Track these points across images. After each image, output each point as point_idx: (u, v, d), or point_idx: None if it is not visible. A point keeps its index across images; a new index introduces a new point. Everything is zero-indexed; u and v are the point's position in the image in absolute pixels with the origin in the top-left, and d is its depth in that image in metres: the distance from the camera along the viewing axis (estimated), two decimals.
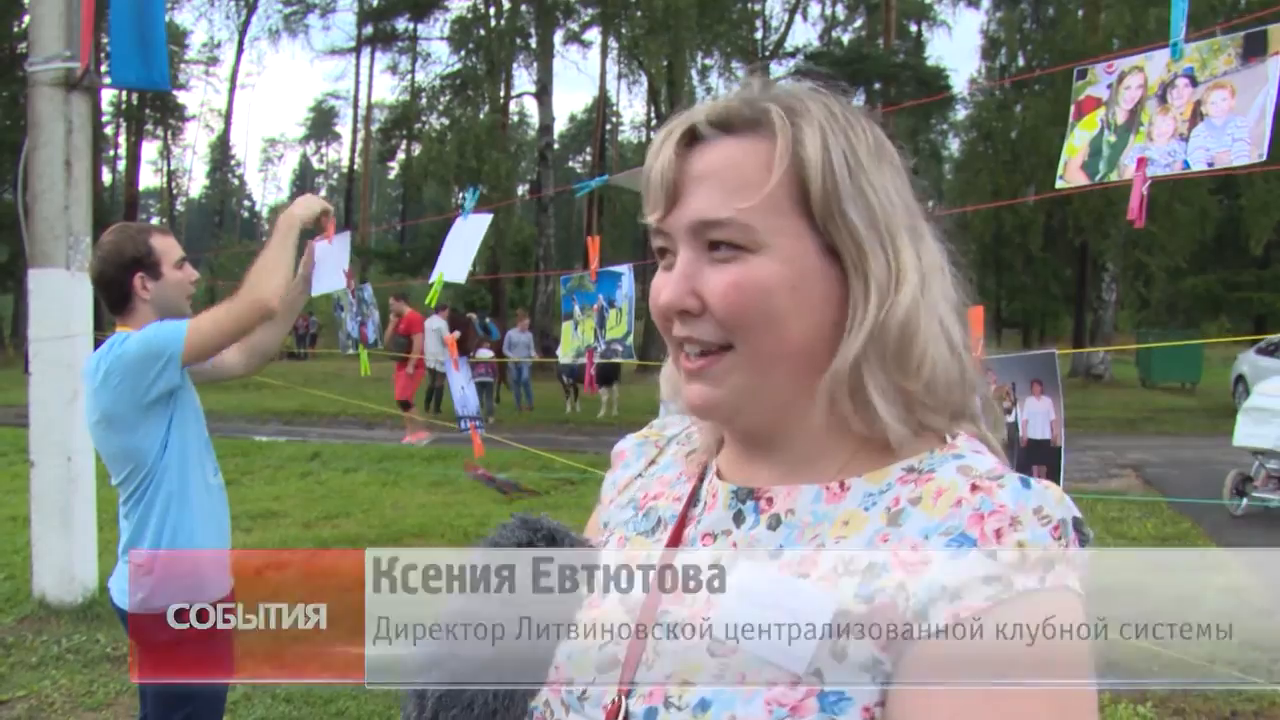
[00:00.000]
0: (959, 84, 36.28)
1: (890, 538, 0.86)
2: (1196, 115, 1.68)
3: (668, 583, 0.94)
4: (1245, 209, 22.92)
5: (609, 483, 1.15)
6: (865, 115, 0.96)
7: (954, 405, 0.93)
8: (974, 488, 0.86)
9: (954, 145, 42.25)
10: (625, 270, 2.59)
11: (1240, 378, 18.05)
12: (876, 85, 32.94)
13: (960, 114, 34.46)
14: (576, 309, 2.76)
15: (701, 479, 1.04)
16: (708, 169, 0.92)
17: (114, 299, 2.90)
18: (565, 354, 2.82)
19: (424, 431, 13.68)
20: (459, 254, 3.13)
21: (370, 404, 13.34)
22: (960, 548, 0.82)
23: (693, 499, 1.03)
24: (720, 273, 0.90)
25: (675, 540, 0.99)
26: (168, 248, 2.91)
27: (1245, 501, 8.60)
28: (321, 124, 62.22)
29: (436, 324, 17.56)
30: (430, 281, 3.18)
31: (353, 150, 42.12)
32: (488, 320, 19.33)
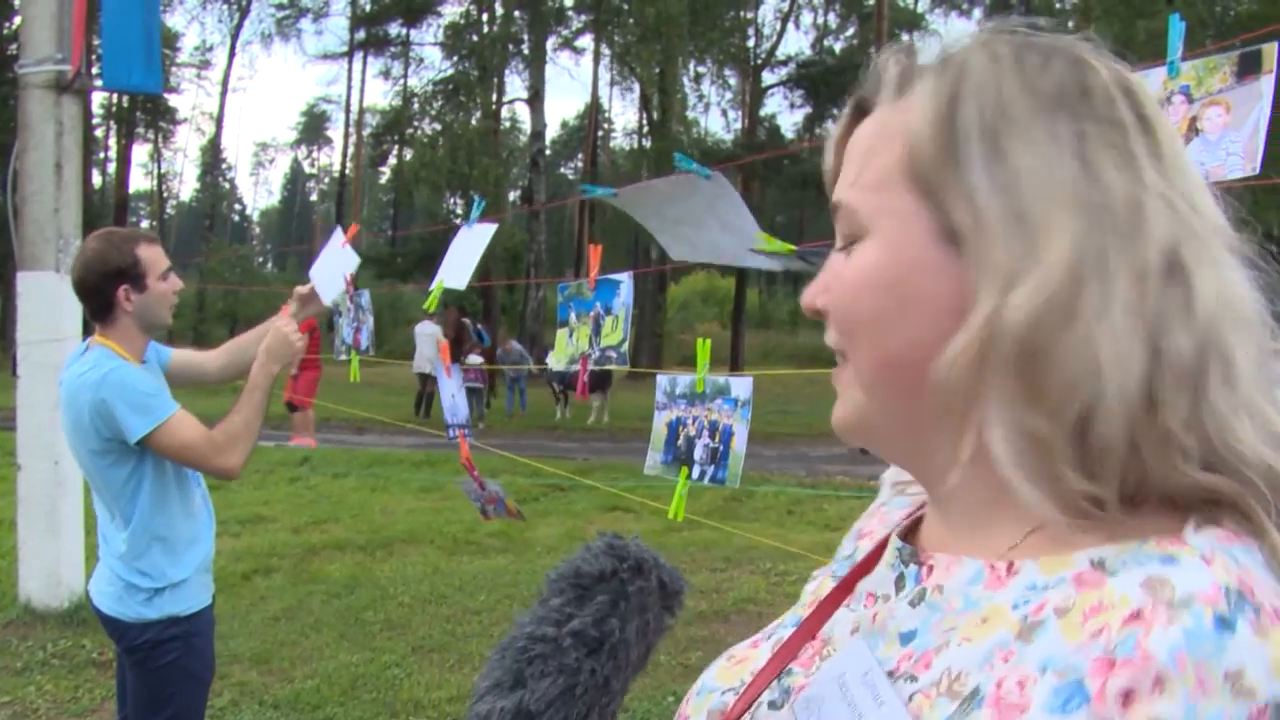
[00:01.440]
0: None
1: (1012, 658, 0.60)
2: (1192, 130, 1.68)
3: (813, 636, 0.78)
4: (1231, 225, 22.98)
5: (866, 510, 0.96)
6: (1081, 56, 0.69)
7: (1182, 478, 0.61)
8: (1136, 616, 0.55)
9: None
10: (625, 278, 2.58)
11: None
12: None
13: None
14: (573, 316, 2.76)
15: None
16: (851, 147, 0.75)
17: (95, 308, 2.85)
18: (558, 361, 2.81)
19: (311, 440, 13.60)
20: (461, 262, 3.13)
21: (362, 411, 13.30)
22: (1068, 700, 0.55)
23: (884, 545, 0.82)
24: (844, 268, 0.73)
25: (846, 589, 0.80)
26: (154, 258, 2.86)
27: None
28: (313, 128, 62.25)
29: (430, 329, 17.55)
30: (430, 288, 3.17)
31: (344, 155, 42.09)
32: (479, 327, 19.33)
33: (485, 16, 28.95)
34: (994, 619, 0.63)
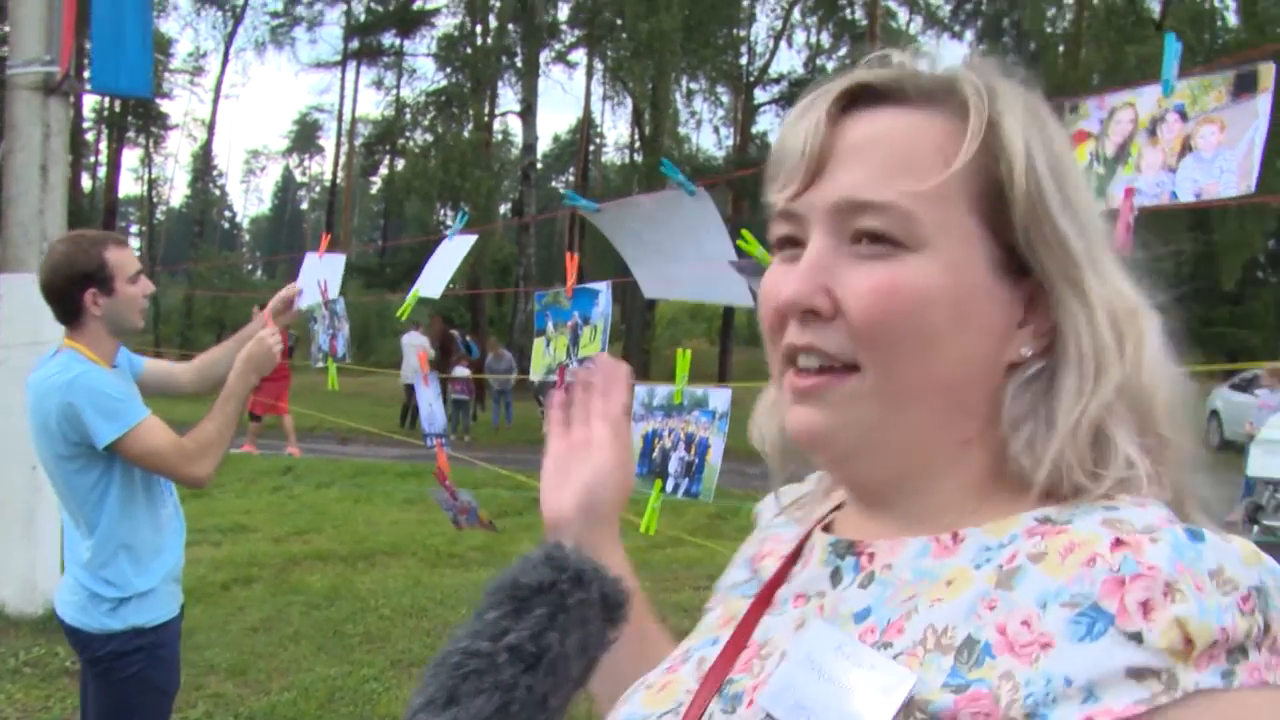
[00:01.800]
0: None
1: (998, 605, 0.65)
2: (1185, 148, 1.68)
3: (744, 646, 0.79)
4: (1219, 245, 23.19)
5: (744, 543, 0.99)
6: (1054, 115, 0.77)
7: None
8: (1118, 543, 0.62)
9: None
10: (603, 287, 2.56)
11: (1214, 413, 18.20)
12: None
13: None
14: (550, 326, 2.73)
15: (810, 535, 0.86)
16: (866, 139, 0.73)
17: (62, 312, 2.80)
18: (536, 371, 2.79)
19: (253, 446, 13.53)
20: (439, 271, 3.11)
21: (346, 420, 13.23)
22: (1091, 626, 0.60)
23: (796, 555, 0.85)
24: (866, 270, 0.71)
25: (765, 601, 0.82)
26: (123, 261, 2.81)
27: (1256, 530, 8.95)
28: (305, 137, 62.17)
29: (417, 339, 17.48)
30: (406, 297, 3.15)
31: (335, 164, 42.05)
32: (468, 338, 19.27)
33: (479, 29, 28.98)
34: (959, 580, 0.68)
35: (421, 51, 32.62)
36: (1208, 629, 0.58)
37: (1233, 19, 24.79)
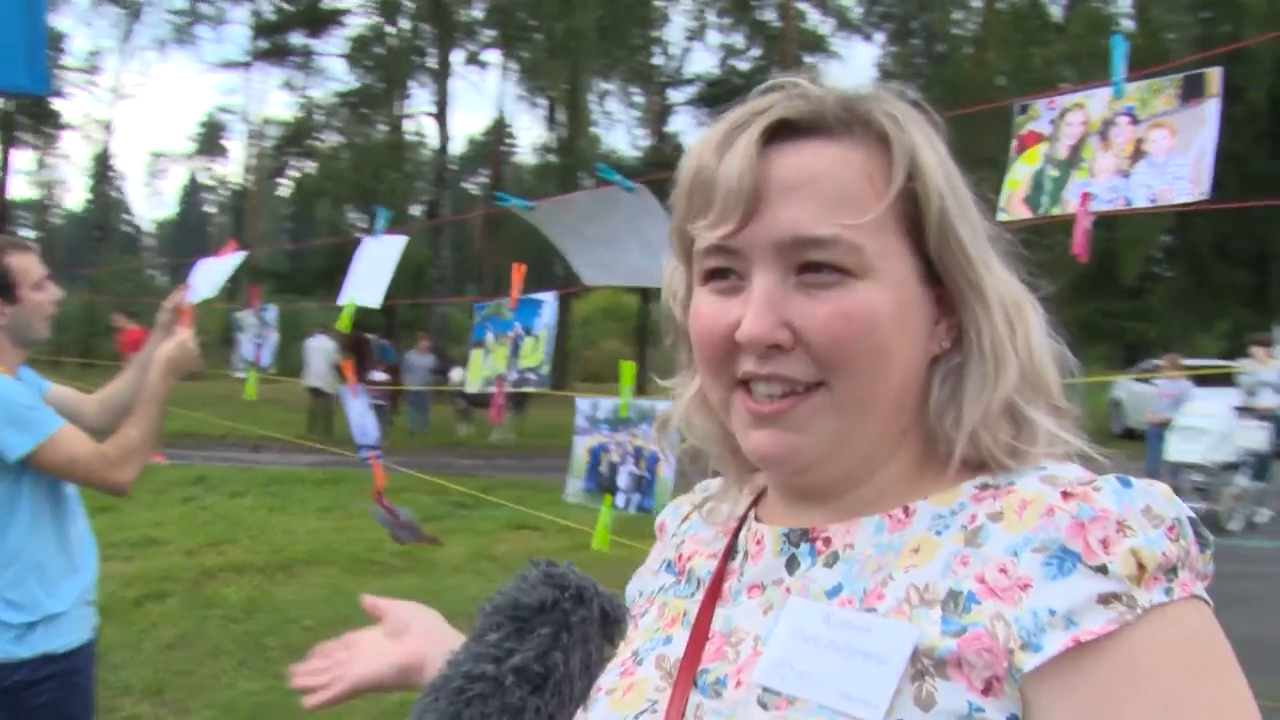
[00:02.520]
0: None
1: (970, 560, 0.74)
2: (1138, 153, 1.71)
3: (706, 639, 0.83)
4: (1119, 241, 23.93)
5: (650, 557, 1.03)
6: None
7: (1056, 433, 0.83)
8: (1066, 495, 0.73)
9: None
10: (549, 299, 2.51)
11: (1117, 402, 18.82)
12: None
13: None
14: (489, 337, 2.67)
15: (739, 530, 0.91)
16: (799, 175, 0.78)
17: None
18: (473, 383, 2.72)
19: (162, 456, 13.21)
20: (371, 276, 3.02)
21: (259, 428, 12.93)
22: (1061, 565, 0.70)
23: (729, 552, 0.89)
24: (818, 301, 0.77)
25: (715, 595, 0.86)
26: (26, 267, 2.68)
27: None
28: (211, 138, 60.71)
29: (323, 344, 17.15)
30: (339, 304, 3.04)
31: (244, 167, 41.11)
32: (384, 342, 18.96)
33: (391, 30, 28.56)
34: (925, 546, 0.77)
35: (332, 52, 31.99)
36: (1154, 555, 0.70)
37: (1130, 25, 25.60)
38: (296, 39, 32.36)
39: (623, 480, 2.29)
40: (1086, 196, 1.74)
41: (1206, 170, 1.63)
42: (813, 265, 0.77)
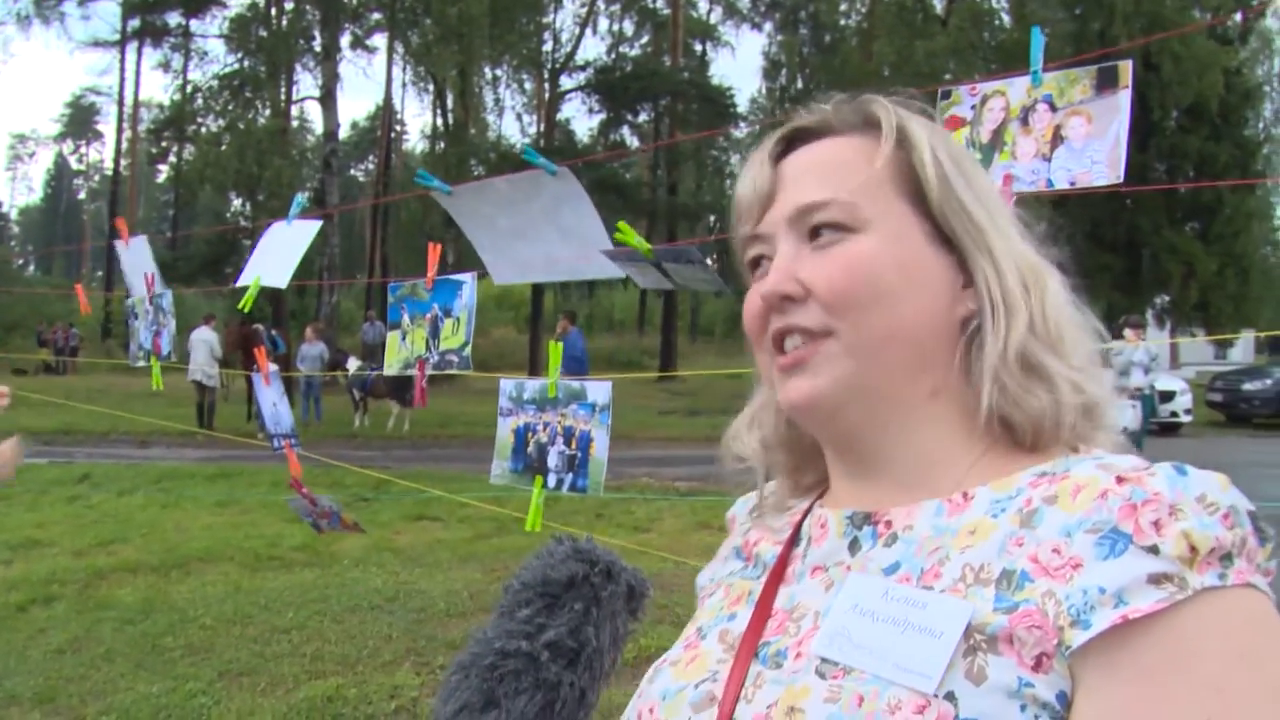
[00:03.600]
0: (742, 103, 37.58)
1: (1025, 541, 0.76)
2: (1057, 138, 1.79)
3: (769, 615, 0.87)
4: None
5: (722, 546, 1.07)
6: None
7: (1095, 410, 0.87)
8: (1120, 479, 0.75)
9: (735, 161, 43.77)
10: (468, 279, 2.49)
11: None
12: (664, 101, 33.67)
13: (743, 131, 35.63)
14: (406, 318, 2.63)
15: (804, 519, 0.95)
16: (803, 165, 0.91)
17: None
18: (392, 365, 2.69)
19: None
20: (279, 258, 2.95)
21: (147, 418, 12.49)
22: (1113, 545, 0.72)
23: (794, 539, 0.94)
24: (824, 256, 0.86)
25: (779, 576, 0.91)
26: None
27: None
28: (80, 121, 58.17)
29: (205, 335, 16.65)
30: (239, 285, 2.96)
31: (118, 151, 39.49)
32: (273, 333, 18.48)
33: (274, 10, 27.74)
34: (981, 527, 0.80)
35: (212, 33, 30.92)
36: (1207, 539, 0.70)
37: (1007, 18, 26.42)
38: (173, 18, 31.20)
39: (553, 460, 2.29)
40: (1009, 178, 1.83)
41: (1121, 156, 1.73)
42: (817, 229, 0.87)
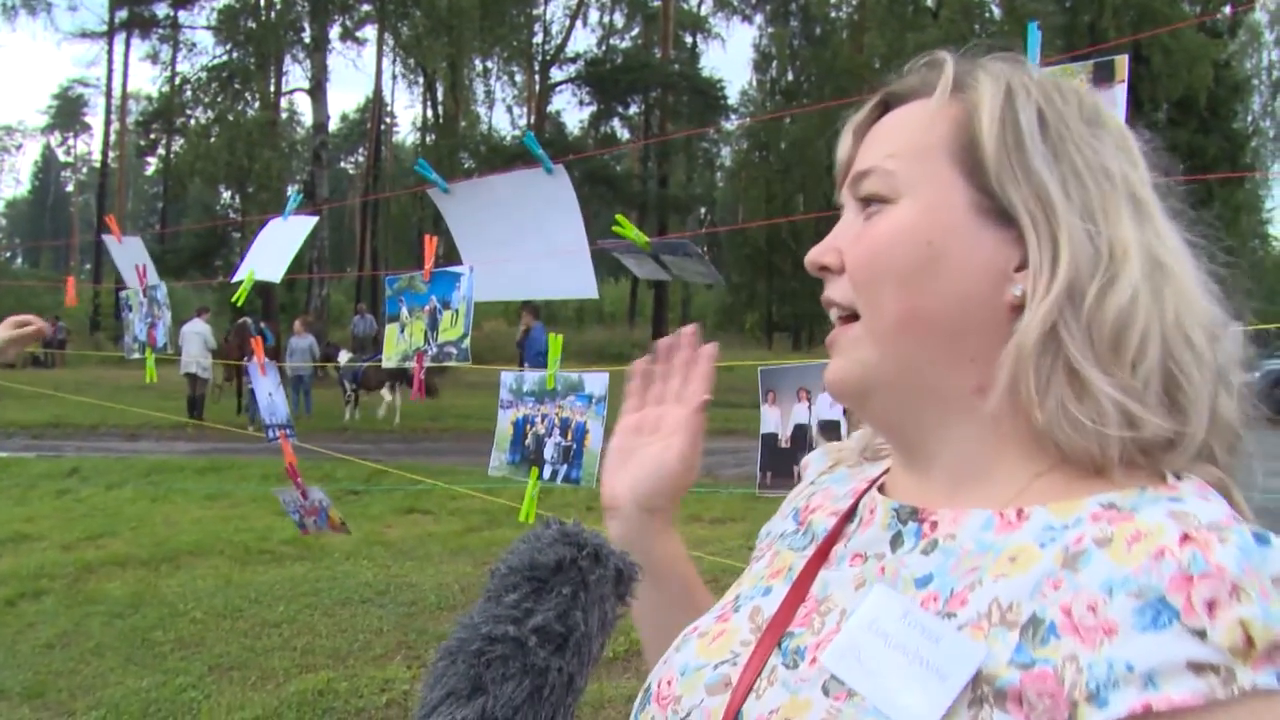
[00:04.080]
0: (733, 95, 37.58)
1: (1063, 585, 0.66)
2: None
3: (802, 600, 0.82)
4: None
5: (789, 496, 1.02)
6: (1085, 91, 0.83)
7: (1190, 436, 0.72)
8: (1185, 538, 0.63)
9: (725, 153, 43.79)
10: (465, 271, 2.47)
11: None
12: (654, 93, 33.65)
13: (733, 123, 35.65)
14: (404, 311, 2.62)
15: (864, 493, 0.88)
16: (874, 135, 0.85)
17: None
18: (390, 358, 2.67)
19: None
20: (274, 253, 2.93)
21: (137, 409, 12.44)
22: (1156, 617, 0.61)
23: (850, 514, 0.87)
24: (866, 228, 0.81)
25: (822, 556, 0.85)
26: None
27: None
28: (68, 113, 57.88)
29: (198, 327, 16.60)
30: (235, 279, 2.95)
31: (106, 143, 39.28)
32: (262, 325, 18.43)
33: (263, 2, 27.60)
34: (1024, 556, 0.70)
35: (200, 24, 30.74)
36: (1270, 632, 0.59)
37: (998, 11, 26.46)
38: (161, 9, 31.04)
39: (549, 452, 2.29)
40: None
41: None
42: (867, 197, 0.82)
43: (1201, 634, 0.60)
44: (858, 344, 0.80)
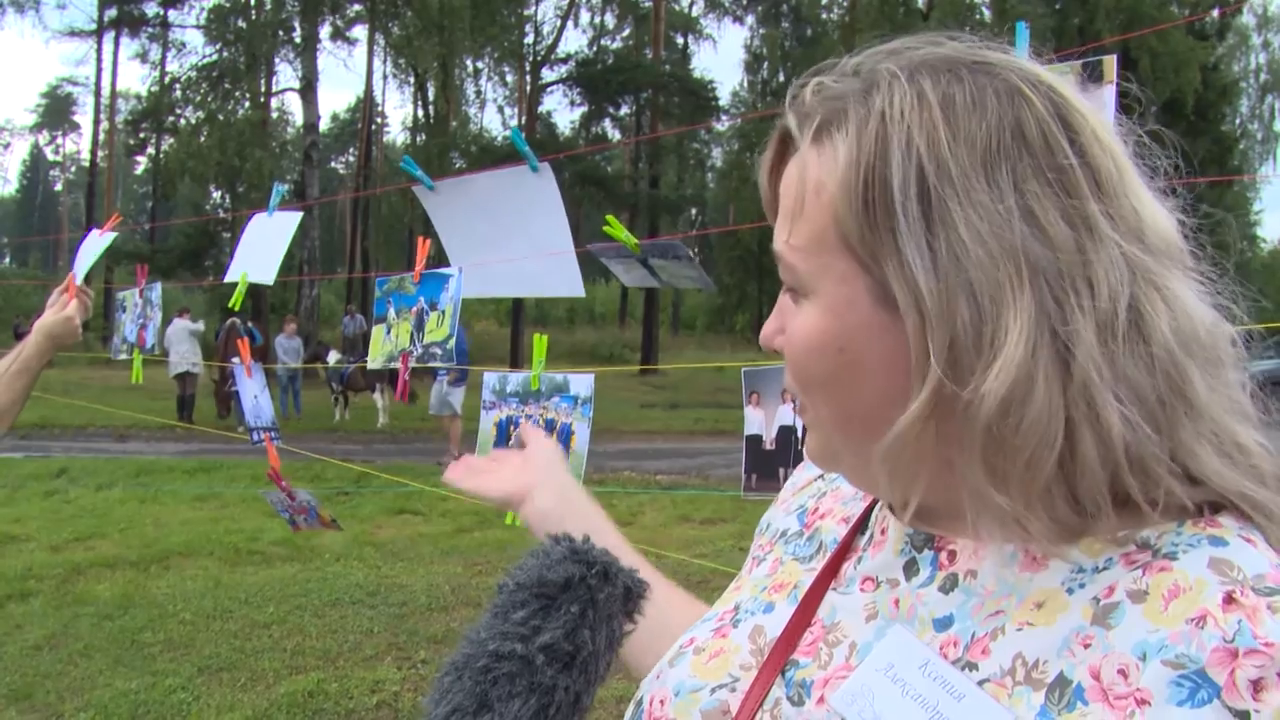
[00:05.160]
0: (724, 96, 37.61)
1: (1093, 644, 0.61)
2: None
3: (806, 624, 0.76)
4: None
5: (790, 481, 0.95)
6: (1014, 86, 0.67)
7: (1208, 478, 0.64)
8: (1230, 600, 0.58)
9: (716, 154, 43.84)
10: (455, 272, 2.47)
11: None
12: (645, 94, 33.64)
13: (725, 125, 35.68)
14: (391, 312, 2.62)
15: (876, 502, 0.82)
16: (783, 189, 0.73)
17: None
18: (375, 359, 2.67)
19: None
20: (263, 252, 2.93)
21: (126, 410, 12.40)
22: (1194, 692, 0.56)
23: (861, 524, 0.82)
24: (791, 316, 0.73)
25: (830, 573, 0.79)
26: None
27: None
28: (57, 111, 57.64)
29: (188, 325, 16.52)
30: (226, 280, 2.94)
31: (95, 142, 39.10)
32: (250, 325, 18.36)
33: (253, 1, 27.51)
34: (1050, 603, 0.64)
35: (190, 23, 30.62)
36: None
37: (988, 13, 26.52)
38: (150, 8, 30.93)
39: None
40: None
41: None
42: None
43: (1244, 715, 0.55)
44: (815, 429, 0.75)
